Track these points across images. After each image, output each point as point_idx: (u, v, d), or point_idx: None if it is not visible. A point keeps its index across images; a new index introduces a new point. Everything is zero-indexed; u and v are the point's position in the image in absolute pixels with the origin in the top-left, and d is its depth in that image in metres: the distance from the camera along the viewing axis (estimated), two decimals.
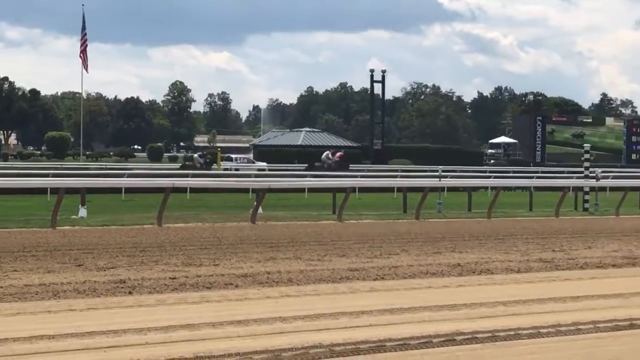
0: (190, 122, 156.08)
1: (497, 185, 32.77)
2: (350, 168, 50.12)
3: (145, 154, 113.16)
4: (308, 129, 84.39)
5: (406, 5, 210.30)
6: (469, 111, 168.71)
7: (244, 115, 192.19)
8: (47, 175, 31.72)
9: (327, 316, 10.14)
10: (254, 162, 61.09)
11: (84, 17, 48.82)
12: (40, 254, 15.44)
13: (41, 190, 29.68)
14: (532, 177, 42.77)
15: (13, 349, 8.23)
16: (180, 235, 19.31)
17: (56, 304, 10.69)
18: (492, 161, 74.79)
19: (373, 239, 19.45)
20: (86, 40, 49.06)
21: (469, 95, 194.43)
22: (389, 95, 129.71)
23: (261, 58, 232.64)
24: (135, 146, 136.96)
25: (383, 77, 69.39)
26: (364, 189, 36.28)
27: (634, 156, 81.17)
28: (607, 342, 9.09)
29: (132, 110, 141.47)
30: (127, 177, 34.35)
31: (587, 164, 33.98)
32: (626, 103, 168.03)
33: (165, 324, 9.39)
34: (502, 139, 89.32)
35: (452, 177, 40.35)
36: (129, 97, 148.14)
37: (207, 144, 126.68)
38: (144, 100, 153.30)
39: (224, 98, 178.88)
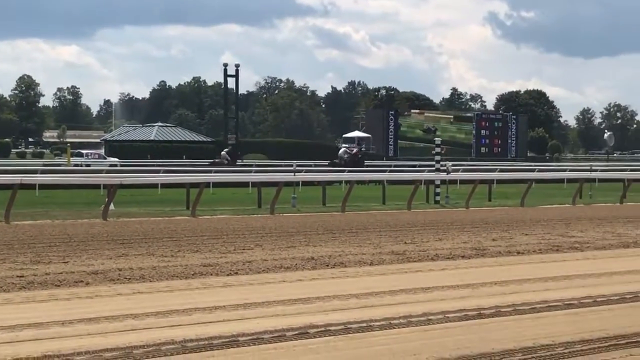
0: (39, 117, 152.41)
1: (351, 179, 33.08)
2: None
3: None
4: (161, 124, 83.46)
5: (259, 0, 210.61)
6: (323, 106, 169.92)
7: (94, 110, 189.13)
8: None
9: (180, 312, 10.04)
10: (105, 158, 60.13)
11: None
12: None
13: None
14: (385, 171, 43.36)
15: None
16: (29, 233, 18.82)
17: None
18: (346, 156, 75.32)
19: (227, 234, 19.38)
20: None
21: (322, 90, 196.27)
22: (243, 90, 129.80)
23: (112, 52, 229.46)
24: None
25: (237, 71, 69.12)
26: (218, 184, 36.15)
27: (483, 150, 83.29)
28: (456, 331, 9.26)
29: None
30: None
31: (438, 157, 34.64)
32: (475, 98, 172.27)
33: (12, 323, 9.15)
34: (356, 134, 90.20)
35: (306, 171, 40.56)
36: None
37: (57, 139, 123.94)
38: None
39: (74, 92, 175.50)
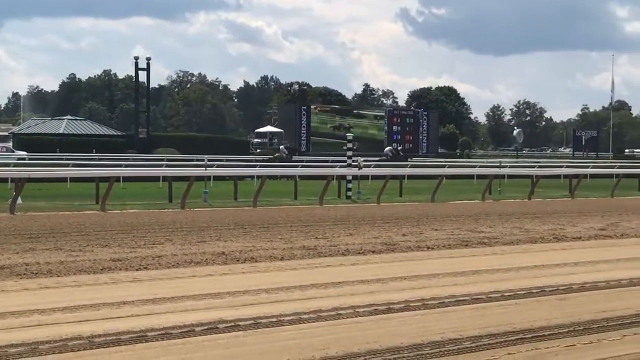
0: None
1: (262, 174, 33.06)
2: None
3: None
4: (70, 117, 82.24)
5: None
6: (236, 100, 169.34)
7: (2, 103, 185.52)
8: None
9: (87, 307, 9.92)
10: (13, 151, 59.09)
11: None
12: None
13: None
14: (297, 166, 43.42)
15: None
16: None
17: None
18: (258, 150, 75.42)
19: (137, 228, 19.22)
20: None
21: (235, 84, 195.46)
22: (154, 84, 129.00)
23: (20, 43, 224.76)
24: None
25: (148, 64, 68.69)
26: (128, 179, 35.83)
27: (394, 146, 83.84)
28: (365, 326, 9.31)
29: None
30: None
31: (349, 153, 34.83)
32: (387, 94, 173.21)
33: None
34: (268, 128, 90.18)
35: (218, 166, 40.41)
36: None
37: None
38: None
39: None
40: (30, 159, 49.60)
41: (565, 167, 47.97)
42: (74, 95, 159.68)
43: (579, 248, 17.59)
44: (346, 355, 7.91)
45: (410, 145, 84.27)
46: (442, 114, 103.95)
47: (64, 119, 78.62)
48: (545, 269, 14.11)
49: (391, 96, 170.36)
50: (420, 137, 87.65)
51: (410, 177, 42.33)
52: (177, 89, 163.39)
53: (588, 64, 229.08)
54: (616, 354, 8.22)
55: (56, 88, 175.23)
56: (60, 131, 71.65)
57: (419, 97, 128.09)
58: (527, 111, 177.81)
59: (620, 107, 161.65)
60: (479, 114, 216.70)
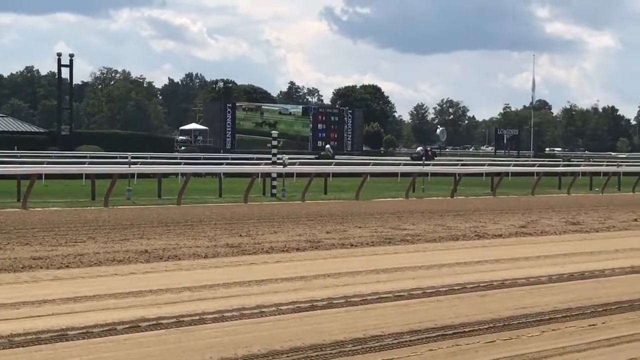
0: None
1: (187, 172, 32.91)
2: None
3: None
4: None
5: None
6: (160, 97, 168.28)
7: None
8: None
9: (7, 306, 9.79)
10: None
11: None
12: None
13: None
14: (222, 164, 43.29)
15: None
16: None
17: None
18: (182, 148, 75.02)
19: (59, 226, 19.00)
20: None
21: (159, 81, 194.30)
22: (77, 80, 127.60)
23: None
24: None
25: (71, 61, 67.93)
26: (51, 176, 35.40)
27: (319, 143, 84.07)
28: (289, 323, 9.33)
29: None
30: None
31: (274, 150, 34.83)
32: (312, 91, 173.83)
33: None
34: (193, 126, 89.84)
35: (142, 163, 40.12)
36: None
37: None
38: None
39: None
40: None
41: (487, 166, 48.55)
42: None
43: (499, 245, 17.83)
44: (269, 353, 7.92)
45: (335, 143, 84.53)
46: (367, 112, 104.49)
47: None
48: (467, 266, 14.27)
49: (316, 94, 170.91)
50: (345, 135, 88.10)
51: (335, 174, 42.48)
52: (100, 86, 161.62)
53: (509, 64, 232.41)
54: (535, 349, 8.33)
55: None
56: None
57: (344, 95, 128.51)
58: (450, 110, 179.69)
59: (541, 106, 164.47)
60: (403, 112, 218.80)
